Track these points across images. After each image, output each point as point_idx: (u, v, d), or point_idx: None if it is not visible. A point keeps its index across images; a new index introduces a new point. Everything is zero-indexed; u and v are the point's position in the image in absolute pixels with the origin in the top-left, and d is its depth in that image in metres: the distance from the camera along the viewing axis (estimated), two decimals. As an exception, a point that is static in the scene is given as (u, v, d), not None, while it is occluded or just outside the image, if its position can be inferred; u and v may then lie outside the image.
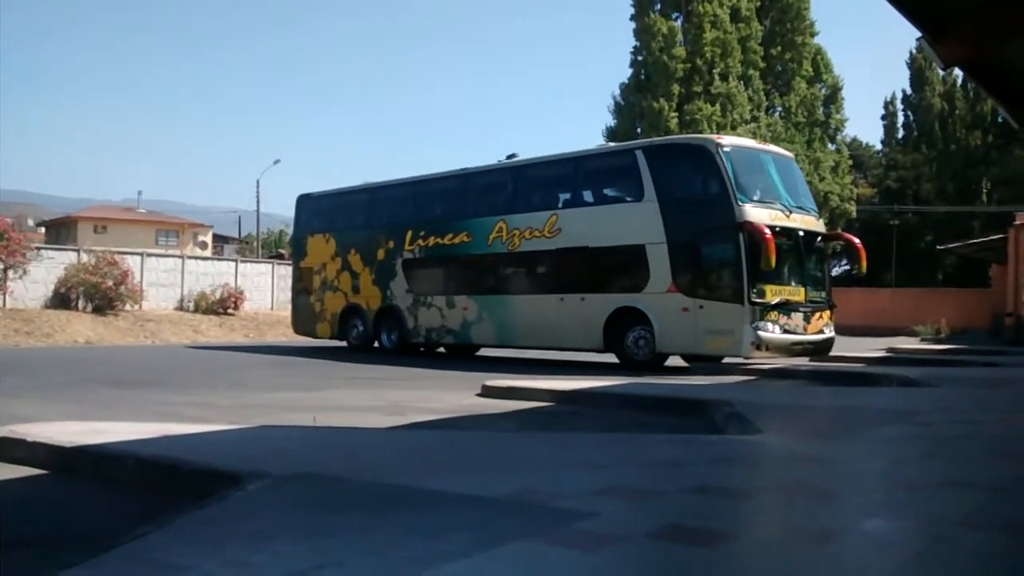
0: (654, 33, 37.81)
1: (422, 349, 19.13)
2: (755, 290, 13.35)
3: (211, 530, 3.31)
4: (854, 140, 51.51)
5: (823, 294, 14.94)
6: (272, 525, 3.36)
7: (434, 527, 3.29)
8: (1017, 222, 26.23)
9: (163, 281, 30.01)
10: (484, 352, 18.73)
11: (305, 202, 21.69)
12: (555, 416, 8.56)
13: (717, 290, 13.86)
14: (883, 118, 51.33)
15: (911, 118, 49.95)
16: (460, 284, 17.66)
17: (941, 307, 32.52)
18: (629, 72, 40.10)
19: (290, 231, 70.24)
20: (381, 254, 19.00)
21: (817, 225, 15.16)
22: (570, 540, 3.07)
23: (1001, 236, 27.03)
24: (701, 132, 35.22)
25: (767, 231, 13.28)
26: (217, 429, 6.06)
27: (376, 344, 19.19)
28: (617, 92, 40.49)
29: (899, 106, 50.52)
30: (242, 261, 35.35)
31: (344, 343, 19.92)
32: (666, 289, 14.22)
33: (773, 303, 13.60)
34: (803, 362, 14.58)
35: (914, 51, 47.70)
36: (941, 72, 44.96)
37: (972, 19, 10.68)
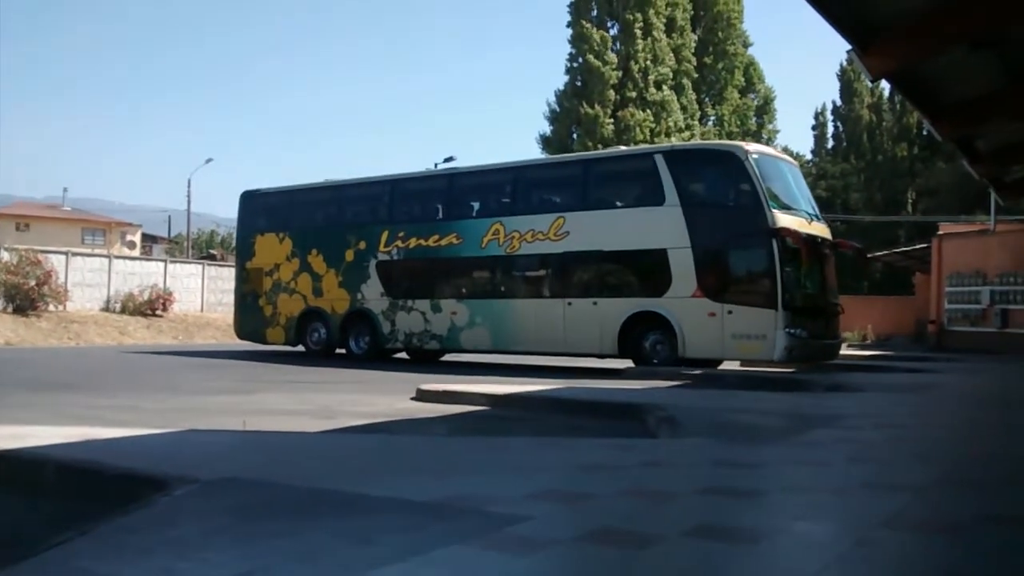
0: (589, 40, 38.13)
1: (408, 355, 18.48)
2: (787, 295, 13.55)
3: (136, 537, 3.23)
4: (785, 149, 52.48)
5: (836, 298, 15.40)
6: (199, 531, 3.29)
7: (365, 532, 3.26)
8: (940, 232, 27.08)
9: (89, 281, 29.26)
10: (449, 357, 18.30)
11: (251, 199, 20.65)
12: (489, 420, 8.56)
13: (748, 295, 13.94)
14: (813, 128, 52.60)
15: (840, 129, 51.21)
16: (448, 288, 17.13)
17: (867, 314, 33.32)
18: (565, 79, 40.38)
19: (222, 231, 68.92)
20: (350, 255, 18.25)
21: (827, 232, 15.53)
22: (503, 544, 3.07)
23: (925, 245, 27.86)
24: (635, 139, 35.71)
25: (800, 237, 13.73)
26: (143, 433, 5.92)
27: (343, 350, 18.40)
28: (553, 98, 40.73)
29: (829, 117, 51.78)
30: (172, 261, 34.68)
31: (300, 349, 19.07)
32: (691, 294, 14.25)
33: (803, 308, 13.90)
34: (733, 367, 14.83)
35: (844, 63, 48.94)
36: (869, 84, 46.20)
37: (899, 34, 11.00)
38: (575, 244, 15.49)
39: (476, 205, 17.59)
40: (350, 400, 10.04)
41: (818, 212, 15.90)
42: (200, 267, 34.87)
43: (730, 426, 7.17)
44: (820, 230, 15.03)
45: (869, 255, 38.29)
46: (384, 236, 17.80)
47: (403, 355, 18.68)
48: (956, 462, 5.51)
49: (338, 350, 18.58)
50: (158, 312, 29.70)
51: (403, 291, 17.60)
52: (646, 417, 7.63)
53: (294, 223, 19.70)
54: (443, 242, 17.06)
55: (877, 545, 3.25)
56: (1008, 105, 14.33)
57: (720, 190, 14.99)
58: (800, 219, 14.42)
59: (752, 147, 14.83)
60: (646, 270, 14.98)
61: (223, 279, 34.60)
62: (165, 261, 34.50)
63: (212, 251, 53.40)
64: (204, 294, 33.54)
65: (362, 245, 18.12)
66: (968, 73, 12.87)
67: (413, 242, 17.44)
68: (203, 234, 68.66)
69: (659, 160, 15.00)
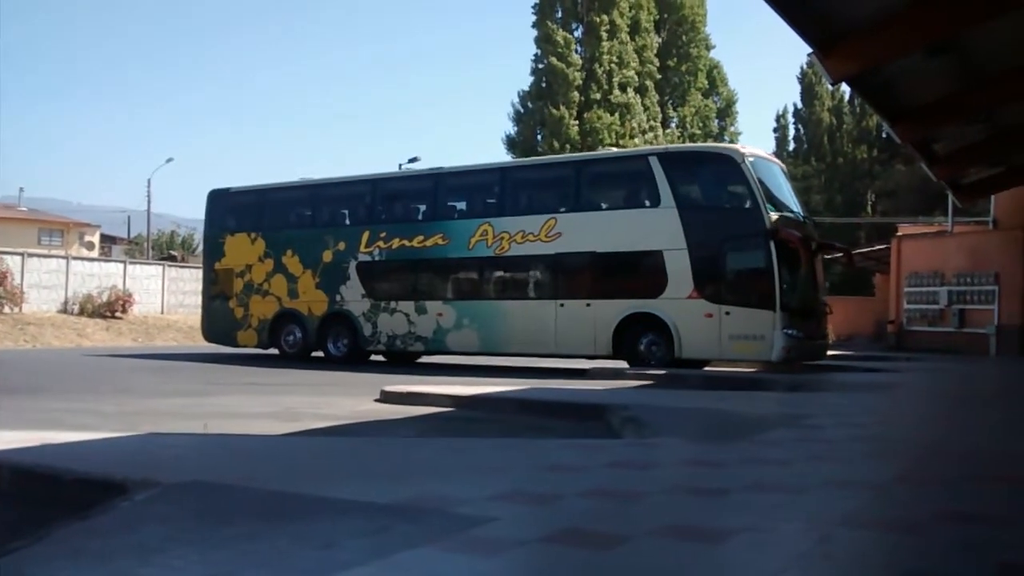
0: (554, 42, 38.23)
1: (384, 357, 18.21)
2: (785, 296, 13.69)
3: (95, 542, 3.17)
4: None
5: (824, 299, 15.67)
6: (160, 536, 3.24)
7: (328, 535, 3.23)
8: (899, 233, 27.49)
9: (46, 283, 28.78)
10: (426, 359, 18.13)
11: (220, 198, 20.14)
12: (454, 422, 8.54)
13: (746, 296, 14.05)
14: (775, 131, 53.08)
15: (801, 131, 51.77)
16: (434, 289, 16.96)
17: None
18: (530, 80, 40.45)
19: (183, 232, 68.02)
20: (328, 256, 17.92)
21: (815, 233, 15.74)
22: (467, 546, 3.06)
23: (885, 246, 28.26)
24: (601, 141, 35.86)
25: (796, 239, 13.94)
26: (102, 437, 5.83)
27: (321, 352, 18.09)
28: (517, 99, 40.79)
29: (790, 120, 52.34)
30: (131, 263, 34.23)
31: (274, 352, 18.69)
32: (687, 295, 14.33)
33: (798, 308, 14.07)
34: (696, 368, 14.93)
35: (805, 67, 49.51)
36: (830, 87, 46.81)
37: (859, 38, 11.16)
38: (568, 245, 15.48)
39: (463, 205, 17.46)
40: (314, 402, 9.97)
41: (805, 213, 16.13)
42: (160, 268, 34.44)
43: (694, 426, 7.22)
44: (810, 231, 15.29)
45: (827, 256, 38.88)
46: (365, 236, 17.55)
47: (379, 357, 18.51)
48: (916, 460, 5.59)
49: (315, 353, 18.32)
50: (117, 314, 29.29)
51: (385, 292, 17.40)
52: (611, 418, 7.65)
53: (267, 223, 19.32)
54: (428, 243, 16.87)
55: (838, 543, 3.28)
56: (964, 109, 14.61)
57: (717, 192, 15.15)
58: (795, 220, 14.68)
59: (747, 149, 14.98)
60: (641, 271, 15.05)
61: (184, 280, 34.22)
62: (125, 262, 34.03)
63: (173, 252, 52.75)
64: (165, 296, 33.14)
65: (341, 246, 17.83)
66: (926, 77, 13.10)
67: (396, 243, 17.22)
68: (163, 235, 67.74)
69: (654, 162, 15.06)
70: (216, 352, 19.66)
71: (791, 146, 52.58)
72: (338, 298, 17.84)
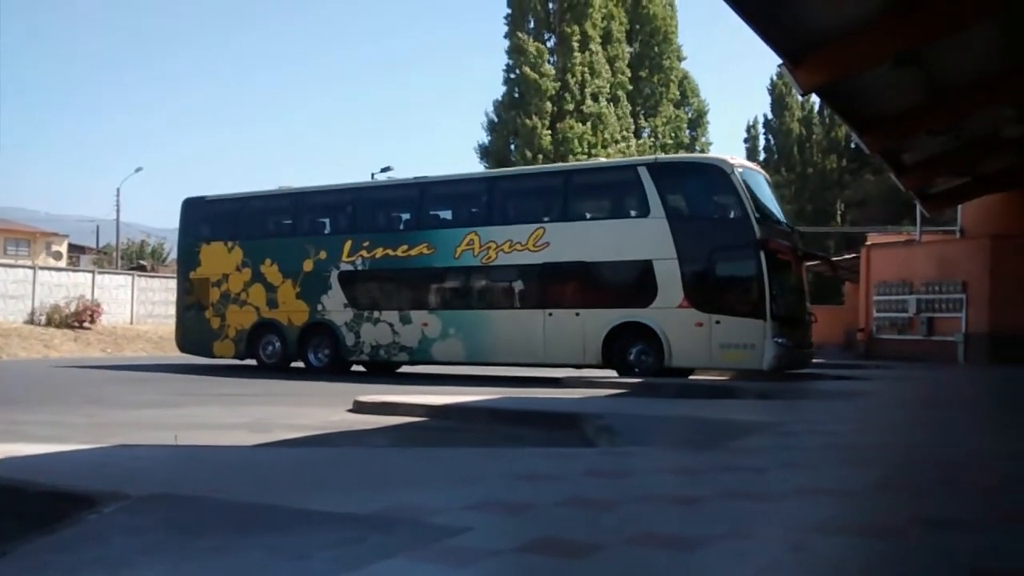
0: (526, 52, 38.35)
1: (363, 367, 17.98)
2: (775, 305, 13.83)
3: (61, 556, 3.11)
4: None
5: (808, 308, 15.81)
6: (129, 549, 3.19)
7: (300, 547, 3.20)
8: (868, 242, 27.80)
9: (12, 293, 28.39)
10: (406, 369, 17.98)
11: (196, 207, 19.76)
12: (428, 431, 8.51)
13: (737, 305, 14.18)
14: (745, 141, 53.57)
15: (771, 142, 52.26)
16: (419, 298, 16.84)
17: (798, 323, 33.80)
18: (503, 89, 40.53)
19: (152, 241, 67.35)
20: (309, 265, 17.71)
21: (800, 242, 15.89)
22: (441, 556, 3.04)
23: (854, 255, 28.55)
24: (574, 151, 36.01)
25: (785, 249, 14.20)
26: (70, 449, 5.74)
27: (301, 363, 17.83)
28: (491, 109, 40.86)
29: (760, 130, 52.84)
30: (100, 272, 33.79)
31: (252, 362, 18.38)
32: (677, 304, 14.38)
33: (787, 317, 14.23)
34: (670, 377, 14.97)
35: (775, 77, 50.05)
36: (799, 98, 47.32)
37: (828, 50, 11.32)
38: (556, 255, 15.48)
39: (449, 215, 17.42)
40: (287, 413, 9.89)
41: (789, 222, 16.32)
42: (130, 278, 34.07)
43: (667, 434, 7.23)
44: (795, 240, 15.46)
45: (808, 264, 39.25)
46: (347, 246, 17.40)
47: (358, 367, 18.36)
48: (888, 466, 5.63)
49: (295, 363, 18.10)
50: (86, 324, 28.93)
51: (369, 302, 17.27)
52: (585, 426, 7.65)
53: (245, 232, 19.05)
54: (413, 252, 16.76)
55: (811, 550, 3.30)
56: (931, 120, 14.84)
57: (706, 203, 15.29)
58: (782, 230, 14.88)
59: (735, 160, 15.13)
60: (631, 281, 15.11)
61: (154, 290, 33.88)
62: (93, 272, 33.60)
63: (142, 262, 52.18)
64: (134, 306, 32.78)
65: (322, 255, 17.64)
66: (894, 89, 13.30)
67: (380, 252, 17.08)
68: (133, 245, 67.03)
69: (643, 172, 15.13)
70: (187, 363, 19.46)
71: (761, 156, 53.03)
72: (319, 308, 17.67)
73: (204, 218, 19.78)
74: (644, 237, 14.84)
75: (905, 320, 23.27)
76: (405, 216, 17.79)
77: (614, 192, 16.33)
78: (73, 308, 28.83)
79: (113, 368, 18.74)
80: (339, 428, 8.41)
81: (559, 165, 17.25)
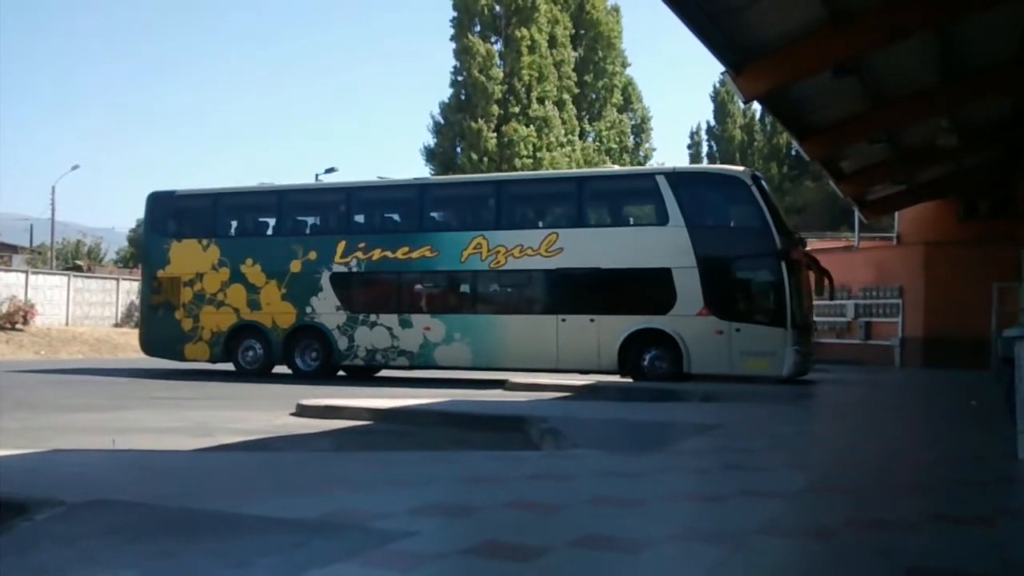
0: (473, 54, 38.30)
1: (344, 372, 17.28)
2: (794, 314, 14.08)
3: (-9, 565, 3.02)
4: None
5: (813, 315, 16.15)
6: (64, 557, 3.11)
7: (242, 553, 3.15)
8: (808, 248, 28.28)
9: (-61, 293, 27.50)
10: (384, 373, 17.32)
11: (163, 202, 18.62)
12: (373, 435, 8.44)
13: (758, 314, 14.43)
14: (689, 147, 54.19)
15: (714, 148, 52.92)
16: (420, 302, 16.48)
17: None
18: (449, 92, 40.40)
19: (88, 241, 65.65)
20: (296, 266, 16.88)
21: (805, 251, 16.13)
22: (387, 560, 3.01)
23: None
24: (518, 154, 36.09)
25: (802, 258, 14.58)
26: (2, 454, 5.58)
27: (287, 367, 17.02)
28: (437, 111, 40.71)
29: (704, 137, 53.52)
30: (34, 272, 32.85)
31: (229, 366, 17.41)
32: (697, 312, 14.43)
33: (803, 325, 14.59)
34: (614, 379, 15.06)
35: (718, 85, 50.77)
36: (742, 106, 48.07)
37: (770, 58, 11.51)
38: (570, 261, 15.35)
39: (453, 218, 17.17)
40: (228, 416, 9.73)
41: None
42: (65, 278, 33.21)
43: (612, 437, 7.28)
44: (804, 249, 15.79)
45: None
46: (341, 246, 16.72)
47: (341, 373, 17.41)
48: (828, 468, 5.74)
49: (279, 368, 17.26)
50: (18, 326, 28.10)
51: (364, 305, 16.65)
52: (530, 429, 7.67)
53: (223, 229, 18.21)
54: (415, 254, 16.31)
55: (754, 551, 3.34)
56: (869, 128, 15.18)
57: (726, 213, 15.50)
58: (796, 240, 15.24)
59: (749, 171, 15.40)
60: (649, 288, 15.04)
61: (91, 291, 33.11)
62: (26, 272, 32.67)
63: (79, 262, 50.97)
64: (70, 307, 31.98)
65: (312, 255, 16.91)
66: (833, 98, 13.58)
67: (377, 253, 16.51)
68: (69, 244, 65.46)
69: (661, 181, 15.15)
70: (127, 366, 19.04)
71: (704, 162, 53.77)
72: (308, 310, 16.91)
73: (173, 213, 18.83)
74: (663, 245, 14.88)
75: (844, 324, 23.73)
76: (405, 218, 17.35)
77: (630, 200, 16.51)
78: (5, 309, 28.00)
79: (48, 372, 18.26)
80: (282, 432, 8.31)
81: (575, 171, 17.21)
